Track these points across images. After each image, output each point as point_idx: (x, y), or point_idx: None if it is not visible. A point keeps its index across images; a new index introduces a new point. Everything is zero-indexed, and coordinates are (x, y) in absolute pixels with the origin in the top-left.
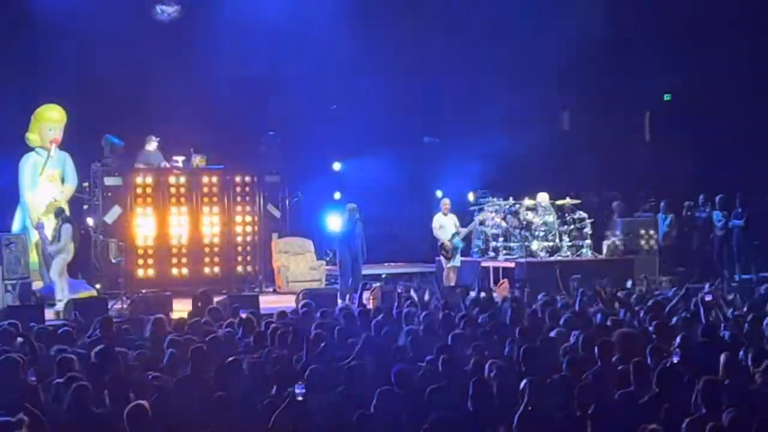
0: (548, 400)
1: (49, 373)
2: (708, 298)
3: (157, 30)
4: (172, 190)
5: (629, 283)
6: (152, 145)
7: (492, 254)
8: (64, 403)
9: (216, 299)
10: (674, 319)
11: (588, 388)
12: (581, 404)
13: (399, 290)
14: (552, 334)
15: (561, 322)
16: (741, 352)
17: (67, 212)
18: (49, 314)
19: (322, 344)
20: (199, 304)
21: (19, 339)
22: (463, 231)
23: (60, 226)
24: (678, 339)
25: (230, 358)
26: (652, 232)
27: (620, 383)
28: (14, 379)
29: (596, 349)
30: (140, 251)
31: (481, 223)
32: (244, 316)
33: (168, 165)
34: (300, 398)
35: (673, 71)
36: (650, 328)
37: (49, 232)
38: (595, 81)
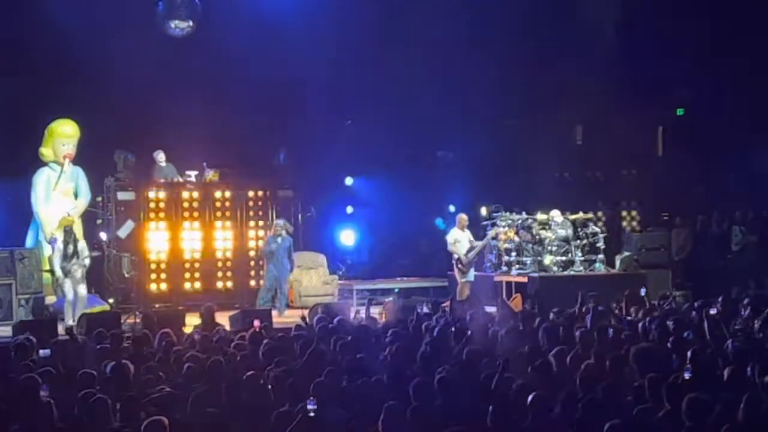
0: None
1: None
2: (713, 312)
3: (171, 45)
4: (185, 204)
5: (643, 291)
6: (161, 158)
7: (505, 269)
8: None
9: (229, 313)
10: (686, 334)
11: (600, 403)
12: (593, 419)
13: (419, 309)
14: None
15: (577, 336)
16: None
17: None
18: (61, 328)
19: (338, 358)
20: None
21: (47, 351)
22: (478, 245)
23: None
24: (689, 354)
25: (249, 373)
26: (665, 247)
27: (637, 399)
28: (35, 399)
29: (607, 363)
30: (153, 266)
31: (494, 237)
32: (257, 324)
33: (180, 179)
34: (312, 414)
35: (686, 86)
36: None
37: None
38: (607, 95)
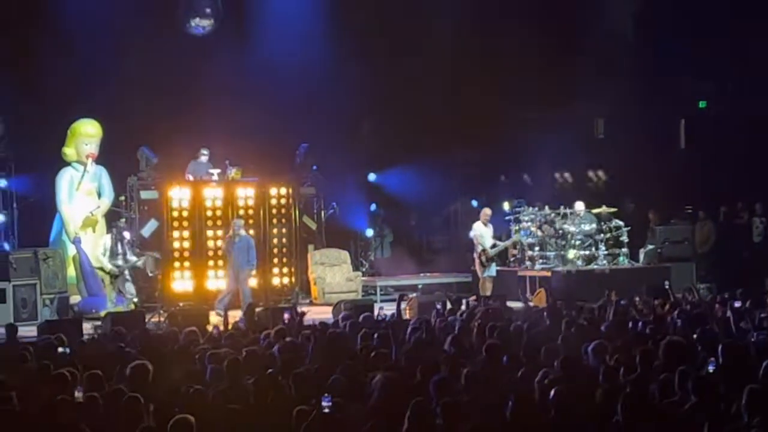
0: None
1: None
2: (737, 304)
3: (192, 43)
4: (208, 203)
5: (667, 284)
6: (203, 156)
7: (528, 263)
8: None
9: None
10: (710, 327)
11: (627, 397)
12: (620, 413)
13: (438, 306)
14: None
15: (603, 330)
16: None
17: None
18: (86, 328)
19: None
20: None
21: (67, 349)
22: (501, 245)
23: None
24: (720, 348)
25: (269, 370)
26: (688, 240)
27: (664, 392)
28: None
29: (637, 357)
30: (176, 264)
31: (517, 231)
32: (287, 317)
33: (208, 176)
34: (327, 410)
35: (708, 78)
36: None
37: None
38: (629, 88)
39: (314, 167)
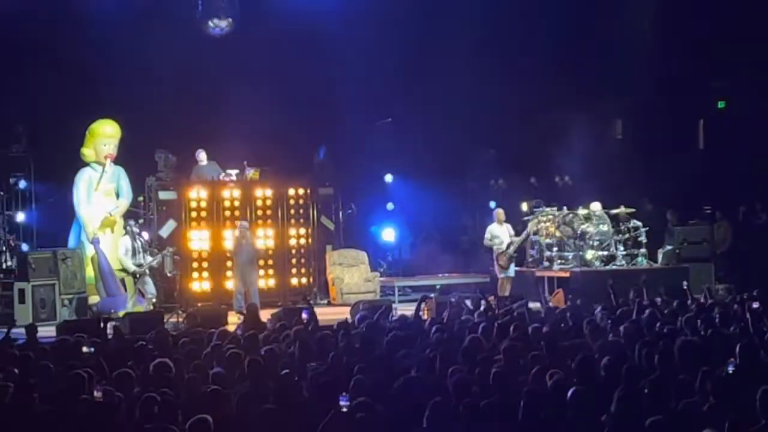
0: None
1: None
2: (755, 305)
3: (210, 44)
4: (226, 203)
5: (685, 284)
6: (202, 157)
7: (546, 264)
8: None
9: (271, 311)
10: (732, 328)
11: (645, 398)
12: (637, 414)
13: (453, 300)
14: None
15: (621, 331)
16: None
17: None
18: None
19: (378, 354)
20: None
21: (91, 349)
22: (517, 240)
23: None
24: (738, 348)
25: (285, 371)
26: (707, 240)
27: (682, 393)
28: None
29: (656, 357)
30: (195, 265)
31: (535, 232)
32: (305, 317)
33: (223, 177)
34: (344, 410)
35: (727, 78)
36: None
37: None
38: (647, 89)
39: (321, 154)
